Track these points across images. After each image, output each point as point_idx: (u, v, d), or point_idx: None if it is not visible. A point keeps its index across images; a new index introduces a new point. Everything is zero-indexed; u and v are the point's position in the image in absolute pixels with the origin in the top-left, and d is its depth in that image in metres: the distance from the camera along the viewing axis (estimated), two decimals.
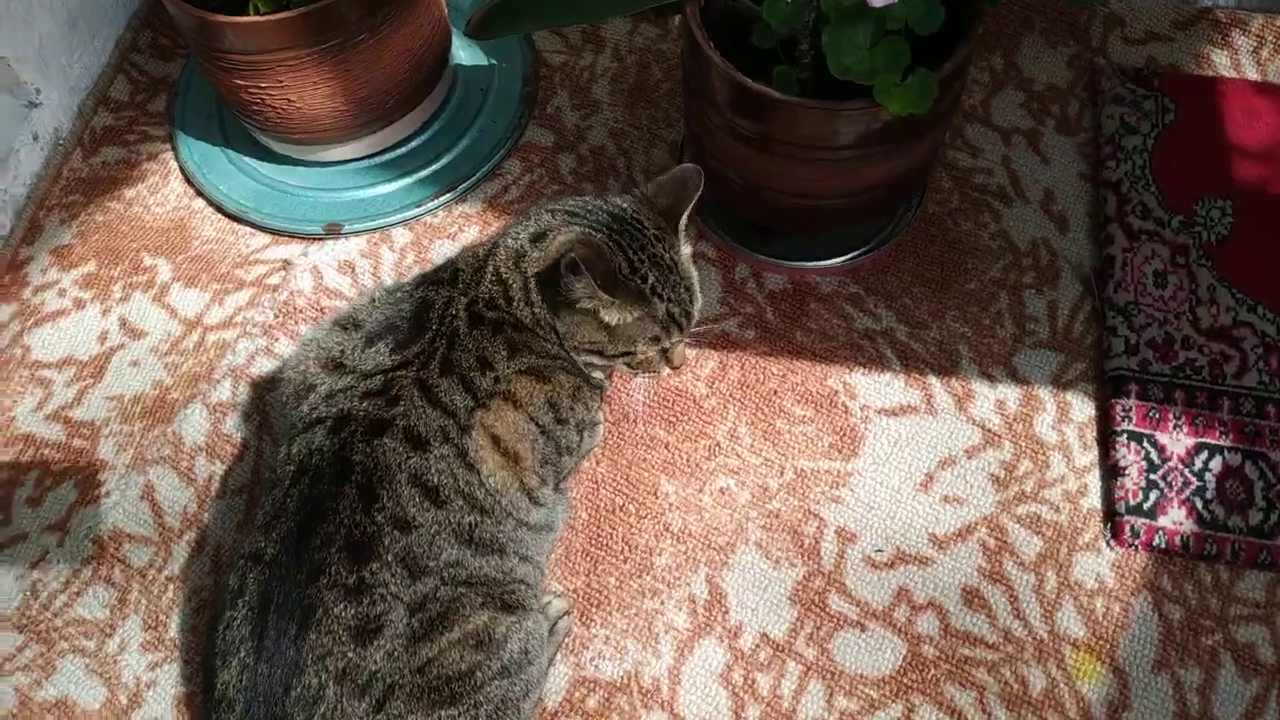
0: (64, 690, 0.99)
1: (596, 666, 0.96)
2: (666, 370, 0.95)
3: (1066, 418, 1.05)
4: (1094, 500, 1.01)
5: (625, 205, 0.93)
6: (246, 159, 1.33)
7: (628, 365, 0.93)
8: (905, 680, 0.93)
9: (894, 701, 0.92)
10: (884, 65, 0.91)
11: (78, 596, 1.03)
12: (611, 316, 0.88)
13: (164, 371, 1.18)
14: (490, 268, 0.91)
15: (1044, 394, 1.07)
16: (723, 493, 1.04)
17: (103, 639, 1.01)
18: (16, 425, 1.16)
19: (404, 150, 1.31)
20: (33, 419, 1.16)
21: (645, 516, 1.03)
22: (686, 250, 0.94)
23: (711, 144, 1.08)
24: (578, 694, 0.95)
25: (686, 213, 0.92)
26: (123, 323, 1.22)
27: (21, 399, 1.18)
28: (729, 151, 1.06)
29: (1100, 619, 0.95)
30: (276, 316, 1.19)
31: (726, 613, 0.97)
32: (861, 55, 0.91)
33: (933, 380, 1.08)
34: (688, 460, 1.06)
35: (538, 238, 0.91)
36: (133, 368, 1.19)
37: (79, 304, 1.24)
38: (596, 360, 0.92)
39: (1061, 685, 0.92)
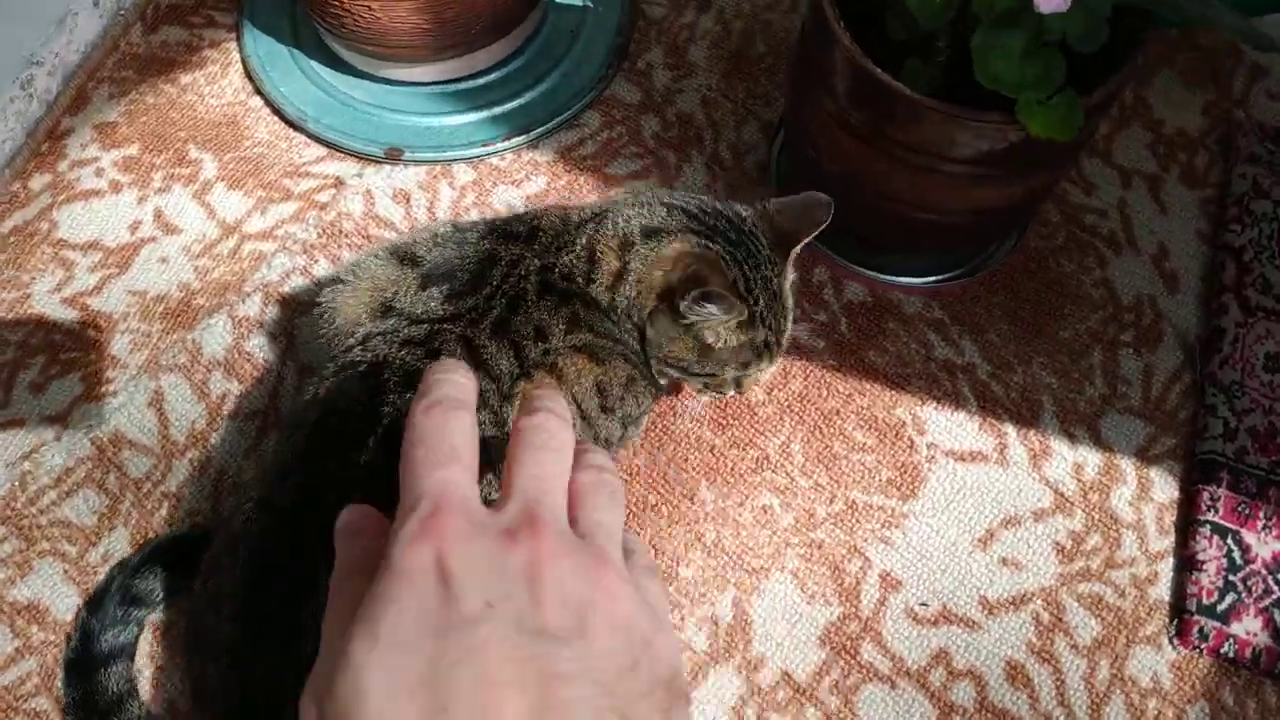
0: (37, 593, 0.93)
1: None
2: (731, 393, 0.89)
3: (1147, 495, 0.97)
4: (1163, 591, 0.92)
5: (746, 216, 0.87)
6: (314, 64, 1.25)
7: (703, 384, 0.86)
8: None
9: None
10: (1034, 80, 0.82)
11: (67, 497, 0.97)
12: (714, 338, 0.82)
13: (193, 274, 1.11)
14: (583, 240, 0.83)
15: (1126, 465, 0.98)
16: (765, 511, 0.96)
17: (86, 546, 0.95)
18: (31, 303, 1.09)
19: (480, 83, 1.22)
20: (48, 300, 1.09)
21: (678, 522, 0.96)
22: (792, 278, 0.88)
23: (815, 131, 0.99)
24: None
25: (804, 243, 0.87)
26: (158, 215, 1.15)
27: (40, 277, 1.11)
28: (834, 143, 0.97)
29: None
30: (320, 236, 1.11)
31: (749, 642, 0.90)
32: (1012, 65, 0.82)
33: (1009, 429, 1.00)
34: (732, 469, 0.98)
35: (650, 233, 0.83)
36: (161, 264, 1.11)
37: (115, 187, 1.17)
38: (673, 373, 0.85)
39: None
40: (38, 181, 1.17)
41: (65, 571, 0.94)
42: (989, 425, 1.00)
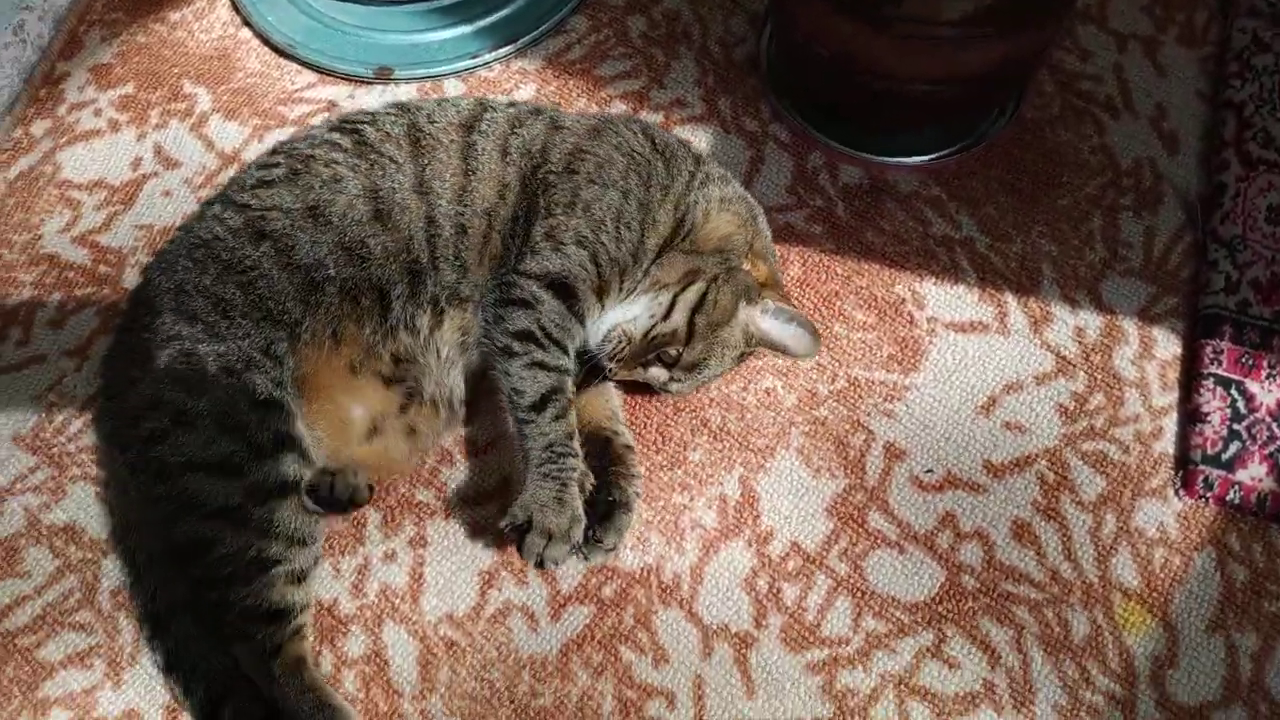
0: (73, 516, 0.97)
1: (617, 554, 0.91)
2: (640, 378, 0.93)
3: (1149, 353, 0.97)
4: (1167, 445, 0.93)
5: None
6: None
7: (644, 361, 0.91)
8: (940, 609, 0.88)
9: (925, 629, 0.87)
10: None
11: (92, 424, 1.00)
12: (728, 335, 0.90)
13: (196, 205, 1.12)
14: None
15: (1128, 326, 0.98)
16: (768, 393, 0.97)
17: (118, 484, 0.98)
18: (42, 244, 1.11)
19: None
20: (59, 240, 1.12)
21: (683, 409, 0.97)
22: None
23: (803, 15, 0.98)
24: (594, 580, 0.91)
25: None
26: (158, 150, 1.16)
27: (49, 218, 1.13)
28: (822, 24, 0.96)
29: (1157, 570, 0.88)
30: None
31: (758, 517, 0.92)
32: None
33: (1009, 298, 1.00)
34: None
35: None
36: (164, 198, 1.13)
37: (114, 126, 1.19)
38: (655, 333, 0.89)
39: (1106, 633, 0.86)
40: (39, 127, 1.19)
41: (97, 493, 0.97)
42: (988, 296, 1.00)
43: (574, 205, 0.89)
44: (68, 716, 0.89)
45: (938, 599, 0.88)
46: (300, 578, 0.85)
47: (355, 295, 0.87)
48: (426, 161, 0.92)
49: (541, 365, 0.86)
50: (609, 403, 0.94)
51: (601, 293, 0.89)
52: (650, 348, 0.88)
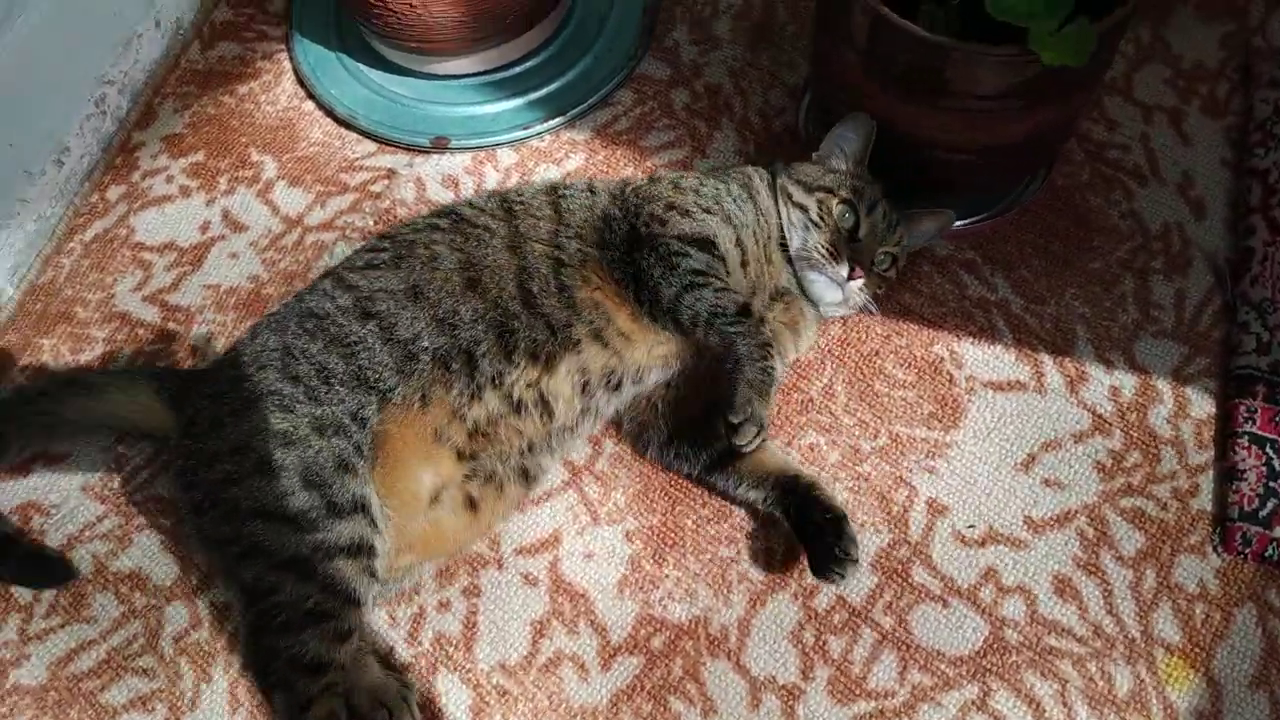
0: (138, 563, 1.00)
1: (665, 607, 0.94)
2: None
3: (1184, 413, 0.99)
4: (1204, 502, 0.95)
5: None
6: (360, 65, 1.32)
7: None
8: (984, 662, 0.90)
9: (970, 682, 0.89)
10: (1045, 9, 0.85)
11: (159, 474, 1.04)
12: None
13: (261, 266, 1.18)
14: None
15: (1162, 385, 1.01)
16: (812, 449, 1.00)
17: (179, 519, 1.02)
18: (114, 303, 1.17)
19: (517, 70, 1.29)
20: (131, 299, 1.18)
21: None
22: None
23: (842, 88, 1.04)
24: (643, 632, 0.93)
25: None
26: (225, 214, 1.23)
27: (122, 278, 1.19)
28: (861, 96, 1.01)
29: (1199, 626, 0.90)
30: (376, 223, 1.18)
31: (804, 571, 0.94)
32: None
33: (1045, 358, 1.03)
34: (778, 412, 1.02)
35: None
36: (231, 259, 1.19)
37: (185, 192, 1.25)
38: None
39: (1150, 688, 0.87)
40: (114, 192, 1.26)
41: (162, 543, 1.01)
42: (1025, 355, 1.03)
43: (680, 186, 1.02)
44: None
45: (982, 653, 0.90)
46: (345, 636, 0.87)
47: (446, 361, 0.92)
48: (519, 221, 0.99)
49: (726, 289, 0.94)
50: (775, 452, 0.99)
51: (744, 264, 0.99)
52: (834, 226, 0.99)
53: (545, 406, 0.94)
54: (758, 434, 0.89)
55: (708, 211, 0.99)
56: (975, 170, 1.06)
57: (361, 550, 0.88)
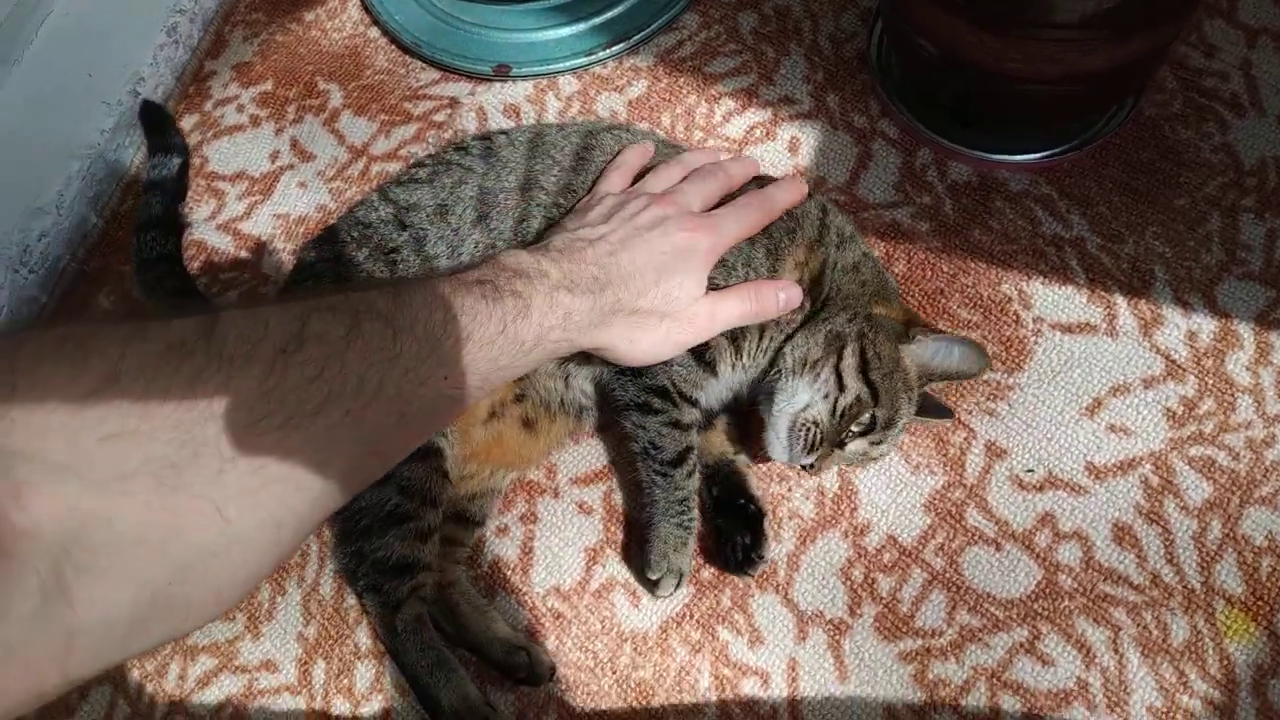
0: None
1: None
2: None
3: (1266, 360, 0.95)
4: None
5: None
6: None
7: (839, 441, 0.89)
8: (1035, 606, 0.89)
9: (1020, 625, 0.89)
10: None
11: None
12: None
13: (328, 196, 1.20)
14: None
15: (1244, 330, 0.96)
16: None
17: None
18: (191, 232, 1.21)
19: None
20: (206, 227, 1.21)
21: None
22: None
23: (916, 11, 0.99)
24: (693, 562, 0.95)
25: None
26: (294, 144, 1.25)
27: (197, 207, 1.23)
28: (936, 21, 0.96)
29: (1264, 579, 0.87)
30: None
31: (855, 509, 0.95)
32: None
33: (1119, 299, 0.99)
34: None
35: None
36: (300, 189, 1.22)
37: (255, 121, 1.27)
38: (841, 406, 0.87)
39: (1207, 639, 0.86)
40: (188, 121, 1.29)
41: None
42: (1098, 297, 0.99)
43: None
44: (214, 663, 0.98)
45: (1034, 597, 0.89)
46: (426, 535, 0.91)
47: None
48: (538, 161, 0.97)
49: (677, 424, 0.90)
50: (725, 431, 0.98)
51: (737, 339, 0.91)
52: (843, 424, 0.86)
53: None
54: (678, 585, 0.90)
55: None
56: (1057, 103, 1.00)
57: (430, 452, 0.91)
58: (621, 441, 0.98)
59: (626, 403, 0.91)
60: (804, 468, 0.90)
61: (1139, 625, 0.87)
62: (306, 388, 0.55)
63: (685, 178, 0.91)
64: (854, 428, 0.87)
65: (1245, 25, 1.11)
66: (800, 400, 0.88)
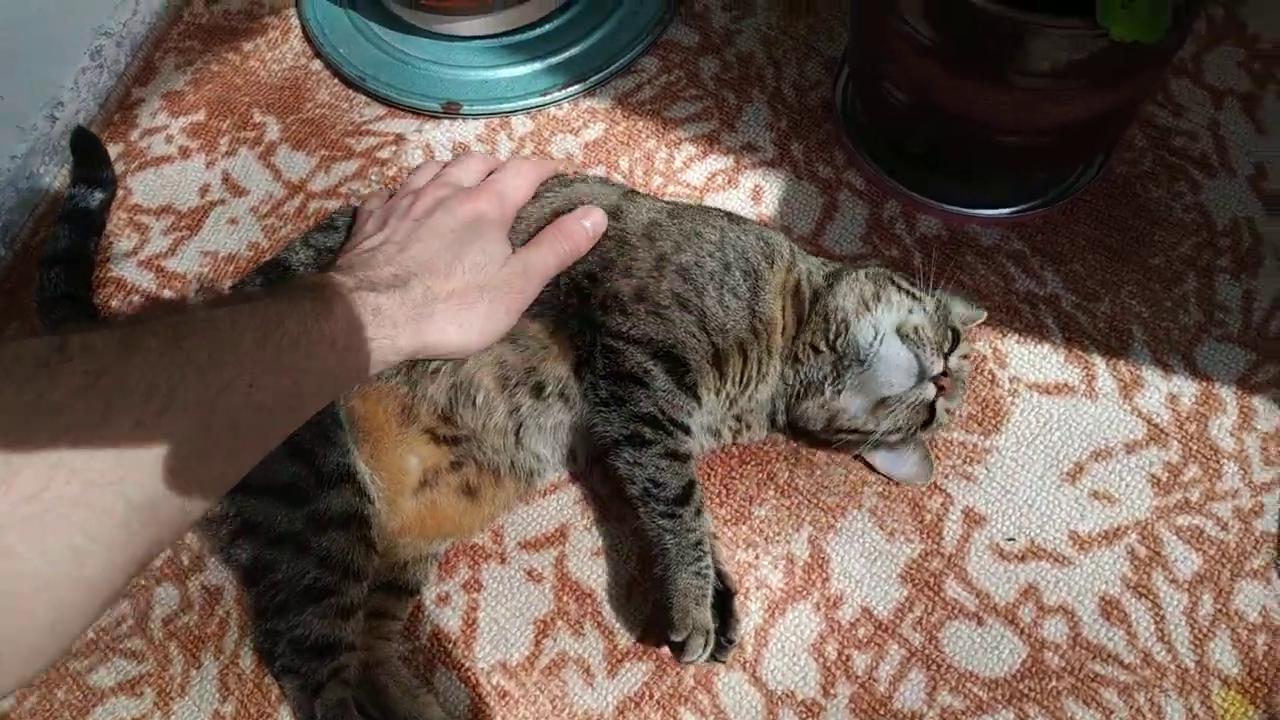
0: None
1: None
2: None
3: (1249, 425, 0.91)
4: (1269, 523, 0.87)
5: None
6: (371, 24, 1.25)
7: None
8: (1021, 686, 0.83)
9: (1005, 707, 0.82)
10: None
11: None
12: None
13: (261, 233, 1.12)
14: None
15: (1226, 394, 0.93)
16: (839, 450, 0.93)
17: None
18: (109, 267, 1.11)
19: (536, 33, 1.21)
20: (126, 263, 1.12)
21: (749, 462, 0.94)
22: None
23: (885, 58, 0.96)
24: (654, 637, 0.87)
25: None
26: (225, 178, 1.16)
27: (118, 241, 1.13)
28: (905, 68, 0.93)
29: (1260, 658, 0.82)
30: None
31: (827, 580, 0.88)
32: None
33: (1097, 360, 0.95)
34: None
35: None
36: (230, 225, 1.13)
37: (185, 153, 1.19)
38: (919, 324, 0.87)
39: None
40: (112, 150, 1.19)
41: None
42: (1075, 357, 0.95)
43: (662, 269, 0.86)
44: None
45: (1019, 676, 0.83)
46: (348, 611, 0.82)
47: None
48: None
49: (674, 455, 0.82)
50: None
51: (720, 362, 0.85)
52: (939, 330, 0.86)
53: (469, 397, 0.86)
54: (705, 643, 0.80)
55: (683, 307, 0.84)
56: (1029, 154, 0.97)
57: (354, 520, 0.82)
58: (615, 491, 0.89)
59: (614, 438, 0.83)
60: (937, 383, 0.83)
61: (1131, 708, 0.81)
62: (82, 395, 0.50)
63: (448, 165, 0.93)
64: (945, 343, 0.85)
65: (1211, 86, 1.10)
66: (891, 317, 0.85)
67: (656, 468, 0.82)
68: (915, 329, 0.84)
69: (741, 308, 0.86)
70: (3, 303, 1.10)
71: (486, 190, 0.86)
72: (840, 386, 0.85)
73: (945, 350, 0.86)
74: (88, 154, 1.12)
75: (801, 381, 0.87)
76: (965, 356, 0.90)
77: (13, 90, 1.11)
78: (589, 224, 0.87)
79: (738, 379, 0.87)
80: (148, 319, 0.61)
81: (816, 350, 0.87)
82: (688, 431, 0.85)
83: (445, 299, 0.77)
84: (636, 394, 0.82)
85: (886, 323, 0.85)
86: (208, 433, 0.56)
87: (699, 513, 0.83)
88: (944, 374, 0.84)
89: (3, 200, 1.11)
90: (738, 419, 0.91)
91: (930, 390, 0.83)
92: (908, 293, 0.88)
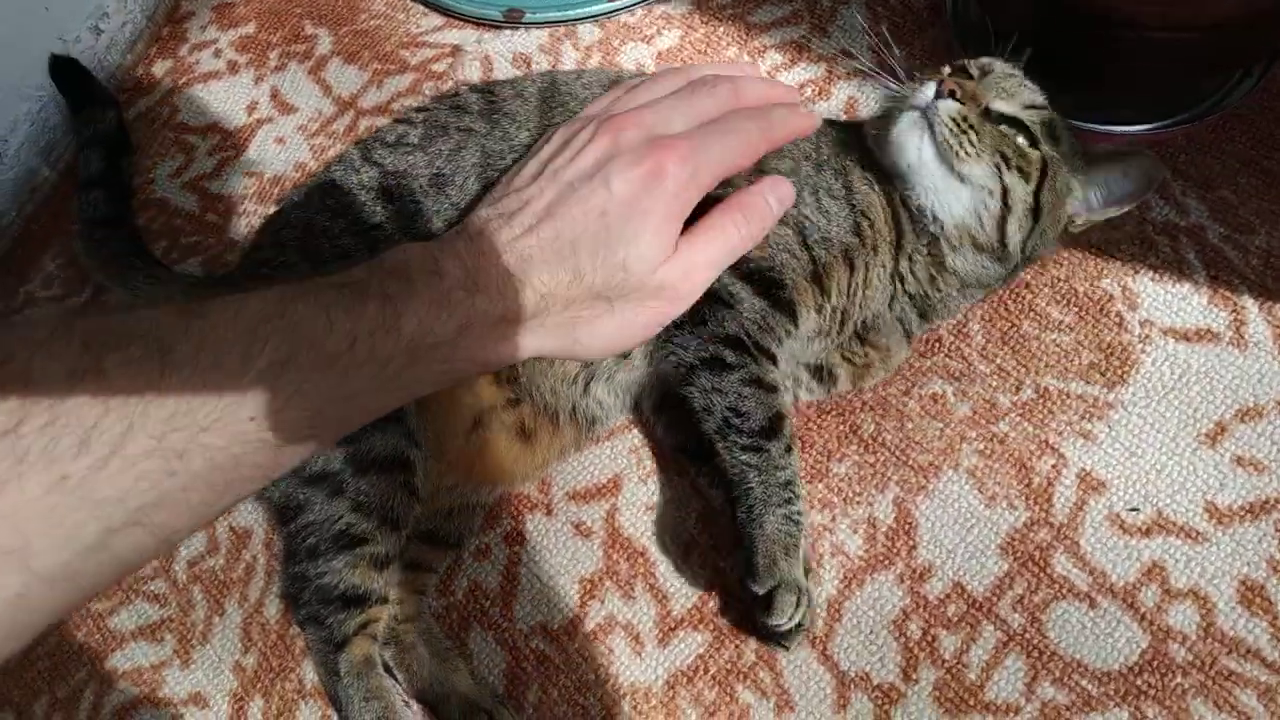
0: None
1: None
2: None
3: None
4: None
5: None
6: None
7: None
8: (1138, 682, 0.71)
9: (1118, 705, 0.70)
10: None
11: None
12: None
13: (309, 153, 1.05)
14: None
15: None
16: (935, 400, 0.81)
17: None
18: (153, 188, 1.06)
19: None
20: (170, 184, 1.06)
21: (828, 412, 0.83)
22: None
23: None
24: (712, 604, 0.78)
25: None
26: (274, 94, 1.09)
27: (162, 161, 1.08)
28: None
29: None
30: None
31: (914, 548, 0.77)
32: None
33: (1248, 302, 0.80)
34: None
35: None
36: (277, 144, 1.06)
37: (233, 68, 1.12)
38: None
39: None
40: (160, 67, 1.14)
41: None
42: (1221, 298, 0.81)
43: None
44: (135, 692, 0.83)
45: (1137, 669, 0.71)
46: (383, 563, 0.76)
47: None
48: (555, 114, 0.80)
49: (758, 382, 0.71)
50: None
51: (819, 277, 0.74)
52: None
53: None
54: (797, 603, 0.68)
55: (780, 221, 0.66)
56: (1173, 57, 0.82)
57: (397, 464, 0.75)
58: (686, 423, 0.77)
59: (690, 363, 0.72)
60: (948, 114, 0.72)
61: (1273, 715, 0.68)
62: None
63: (675, 92, 0.63)
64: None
65: None
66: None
67: (739, 395, 0.71)
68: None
69: (840, 208, 0.75)
70: (47, 224, 1.07)
71: (679, 156, 0.58)
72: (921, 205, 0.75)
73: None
74: (70, 78, 1.05)
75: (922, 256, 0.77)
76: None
77: (57, 1, 1.06)
78: (773, 199, 0.63)
79: (844, 290, 0.76)
80: (143, 320, 0.48)
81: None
82: (774, 361, 0.74)
83: (562, 309, 0.57)
84: (720, 313, 0.72)
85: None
86: (172, 477, 0.45)
87: (789, 449, 0.72)
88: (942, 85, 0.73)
89: (45, 117, 1.07)
90: (860, 339, 0.80)
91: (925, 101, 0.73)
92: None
